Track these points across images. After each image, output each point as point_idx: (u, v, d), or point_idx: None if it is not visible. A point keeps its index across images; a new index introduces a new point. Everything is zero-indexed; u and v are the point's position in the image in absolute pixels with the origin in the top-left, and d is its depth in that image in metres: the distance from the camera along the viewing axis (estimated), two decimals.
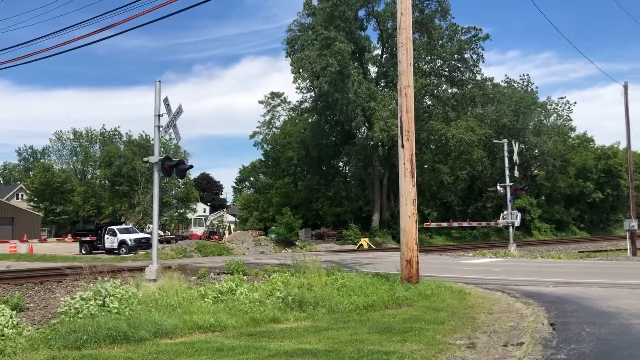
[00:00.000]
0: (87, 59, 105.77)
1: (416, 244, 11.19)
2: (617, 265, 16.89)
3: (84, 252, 32.56)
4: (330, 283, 10.44)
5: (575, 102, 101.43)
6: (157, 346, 6.68)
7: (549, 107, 61.07)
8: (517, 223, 26.54)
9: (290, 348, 6.37)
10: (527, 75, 69.13)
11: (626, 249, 24.45)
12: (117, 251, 30.98)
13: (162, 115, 13.20)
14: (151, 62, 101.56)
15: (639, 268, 15.47)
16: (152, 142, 32.13)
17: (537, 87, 65.88)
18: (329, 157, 49.98)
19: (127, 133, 48.28)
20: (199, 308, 8.43)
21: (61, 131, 46.36)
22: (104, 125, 47.72)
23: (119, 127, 48.19)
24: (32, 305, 10.99)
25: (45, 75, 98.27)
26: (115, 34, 19.10)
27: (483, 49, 45.33)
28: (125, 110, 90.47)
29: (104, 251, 32.00)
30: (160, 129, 13.27)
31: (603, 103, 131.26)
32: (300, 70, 43.06)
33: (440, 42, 45.37)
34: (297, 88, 48.07)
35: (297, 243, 38.09)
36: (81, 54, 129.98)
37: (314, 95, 47.40)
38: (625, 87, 28.63)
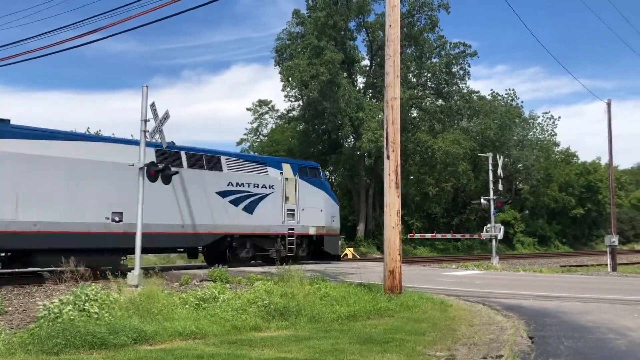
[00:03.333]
0: (75, 61, 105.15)
1: (399, 254, 11.25)
2: (597, 280, 17.08)
3: None
4: (313, 292, 10.44)
5: (560, 117, 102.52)
6: (137, 352, 6.64)
7: (533, 121, 61.82)
8: (500, 236, 26.74)
9: (270, 357, 6.37)
10: (513, 89, 69.78)
11: (607, 264, 24.76)
12: None
13: (149, 121, 13.19)
14: (139, 66, 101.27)
15: (618, 283, 15.66)
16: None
17: (522, 102, 66.72)
18: None
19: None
20: (180, 315, 8.40)
21: None
22: (88, 128, 47.02)
23: (99, 130, 47.56)
24: (10, 309, 10.84)
25: (31, 77, 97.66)
26: (104, 37, 19.08)
27: (470, 66, 45.99)
28: (112, 114, 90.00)
29: None
30: (147, 134, 13.25)
31: (587, 120, 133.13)
32: (290, 78, 43.20)
33: (428, 55, 45.84)
34: (285, 96, 48.24)
35: None
36: (68, 56, 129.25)
37: (302, 103, 47.53)
38: (609, 105, 29.11)
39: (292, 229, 21.63)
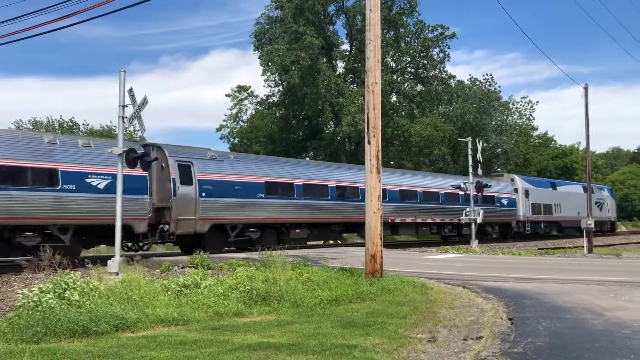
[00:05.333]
0: (49, 46, 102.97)
1: (381, 239, 11.32)
2: (574, 261, 17.40)
3: None
4: (295, 277, 10.48)
5: (538, 102, 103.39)
6: (118, 340, 6.61)
7: (511, 106, 62.30)
8: (479, 220, 27.04)
9: (253, 342, 6.39)
10: (490, 74, 70.27)
11: (583, 247, 25.22)
12: None
13: (127, 106, 13.01)
14: (116, 52, 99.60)
15: (594, 265, 15.97)
16: (114, 132, 31.46)
17: (499, 86, 67.00)
18: (296, 151, 50.05)
19: (83, 123, 47.15)
20: (162, 302, 8.36)
21: (21, 120, 45.02)
22: (61, 115, 46.18)
23: (73, 117, 46.79)
24: None
25: (4, 63, 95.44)
26: (79, 22, 18.67)
27: (449, 48, 46.10)
28: (89, 101, 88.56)
29: None
30: (125, 120, 13.07)
31: (565, 104, 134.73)
32: (269, 63, 42.91)
33: (407, 39, 45.85)
34: (265, 81, 47.96)
35: None
36: (43, 42, 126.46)
37: (282, 89, 47.29)
38: (586, 89, 29.44)
39: None
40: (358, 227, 26.01)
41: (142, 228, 18.38)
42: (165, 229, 19.17)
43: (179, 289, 9.26)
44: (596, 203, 43.30)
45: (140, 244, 19.51)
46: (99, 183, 17.42)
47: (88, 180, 17.15)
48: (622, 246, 30.70)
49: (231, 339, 6.55)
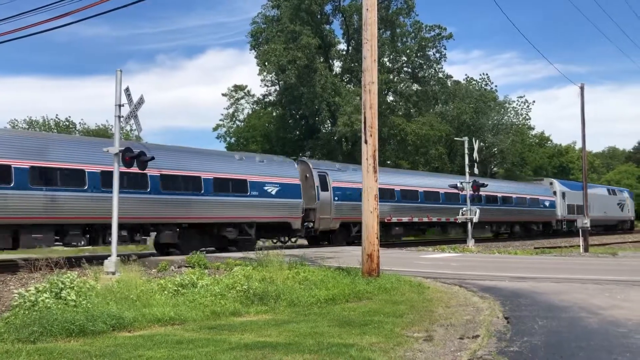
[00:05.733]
0: (46, 46, 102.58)
1: (377, 238, 11.34)
2: (570, 260, 17.46)
3: None
4: (292, 277, 10.49)
5: (534, 101, 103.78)
6: (115, 339, 6.60)
7: (507, 105, 62.40)
8: (475, 219, 27.09)
9: (250, 341, 6.39)
10: (486, 74, 70.28)
11: (579, 246, 25.29)
12: None
13: (123, 106, 12.99)
14: (113, 51, 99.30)
15: (590, 264, 16.03)
16: (111, 132, 31.32)
17: (496, 86, 67.02)
18: (293, 151, 50.03)
19: (80, 122, 47.12)
20: (159, 301, 8.36)
21: (16, 120, 44.91)
22: (57, 115, 46.07)
23: (70, 117, 46.71)
24: None
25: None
26: (75, 21, 18.62)
27: (445, 48, 46.19)
28: (86, 100, 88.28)
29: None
30: (121, 119, 13.06)
31: (561, 104, 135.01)
32: (266, 63, 42.86)
33: (404, 39, 45.90)
34: (261, 81, 47.90)
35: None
36: (39, 41, 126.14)
37: (278, 88, 47.24)
38: (582, 89, 29.53)
39: None
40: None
41: (297, 225, 23.17)
42: (310, 226, 24.34)
43: (175, 288, 9.26)
44: (618, 204, 50.17)
45: (294, 238, 24.37)
46: (272, 190, 22.31)
47: (265, 188, 22.10)
48: (617, 245, 30.81)
49: (228, 338, 6.55)
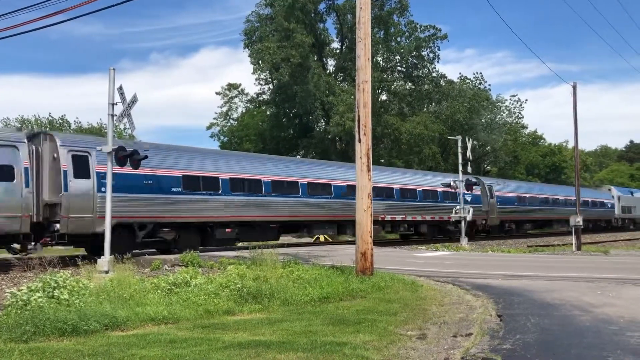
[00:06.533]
0: (38, 44, 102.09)
1: (371, 236, 11.35)
2: (562, 259, 17.53)
3: None
4: (286, 275, 10.49)
5: (527, 100, 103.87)
6: (108, 338, 6.58)
7: (501, 104, 62.56)
8: (469, 217, 27.16)
9: (244, 339, 6.39)
10: (480, 73, 70.51)
11: (572, 244, 25.40)
12: None
13: (117, 104, 12.96)
14: (106, 49, 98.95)
15: (582, 262, 16.10)
16: (104, 130, 31.20)
17: (489, 85, 67.36)
18: (287, 150, 50.02)
19: (75, 121, 46.92)
20: (152, 300, 8.34)
21: (8, 118, 44.69)
22: (50, 113, 45.82)
23: (64, 115, 46.47)
24: None
25: None
26: (69, 19, 18.53)
27: (439, 49, 46.24)
28: (77, 99, 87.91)
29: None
30: (114, 117, 13.02)
31: (554, 102, 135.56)
32: (260, 61, 42.81)
33: (398, 38, 45.93)
34: (255, 79, 47.85)
35: None
36: (31, 39, 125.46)
37: (272, 87, 47.19)
38: (574, 88, 29.64)
39: None
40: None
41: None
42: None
43: (169, 287, 9.24)
44: None
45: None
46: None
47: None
48: (610, 244, 30.96)
49: (221, 337, 6.55)
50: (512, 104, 63.26)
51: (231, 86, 55.03)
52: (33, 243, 16.97)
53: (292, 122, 48.40)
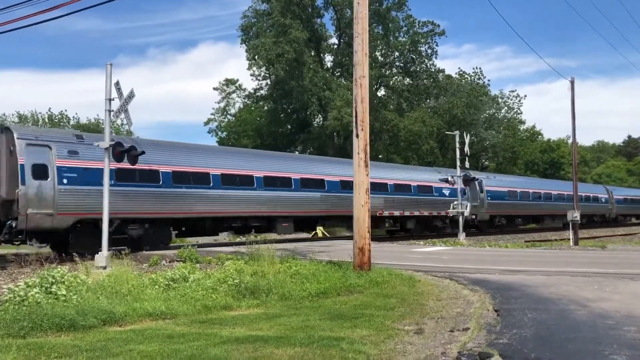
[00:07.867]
0: (35, 39, 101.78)
1: (369, 232, 11.36)
2: (560, 253, 17.57)
3: None
4: (283, 270, 10.49)
5: (525, 96, 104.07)
6: (105, 334, 6.59)
7: (500, 100, 62.60)
8: (466, 213, 27.20)
9: (241, 335, 6.40)
10: (479, 68, 70.50)
11: (569, 239, 25.44)
12: None
13: (114, 100, 12.92)
14: (103, 44, 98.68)
15: (579, 256, 16.14)
16: (101, 126, 31.12)
17: (488, 80, 67.28)
18: (285, 145, 50.00)
19: (74, 116, 46.90)
20: (150, 296, 8.34)
21: (4, 114, 44.65)
22: (50, 108, 45.83)
23: (65, 110, 46.47)
24: None
25: None
26: (65, 14, 18.45)
27: (437, 45, 46.19)
28: (74, 95, 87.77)
29: None
30: (111, 113, 12.99)
31: (552, 97, 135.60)
32: (256, 57, 42.74)
33: (396, 33, 45.87)
34: (252, 75, 47.75)
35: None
36: (28, 34, 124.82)
37: (269, 82, 47.12)
38: (572, 83, 29.63)
39: None
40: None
41: None
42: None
43: (167, 282, 9.25)
44: None
45: None
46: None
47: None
48: (607, 238, 31.04)
49: (219, 332, 6.56)
50: (511, 100, 63.37)
51: (229, 82, 54.97)
52: None
53: (289, 118, 48.35)
